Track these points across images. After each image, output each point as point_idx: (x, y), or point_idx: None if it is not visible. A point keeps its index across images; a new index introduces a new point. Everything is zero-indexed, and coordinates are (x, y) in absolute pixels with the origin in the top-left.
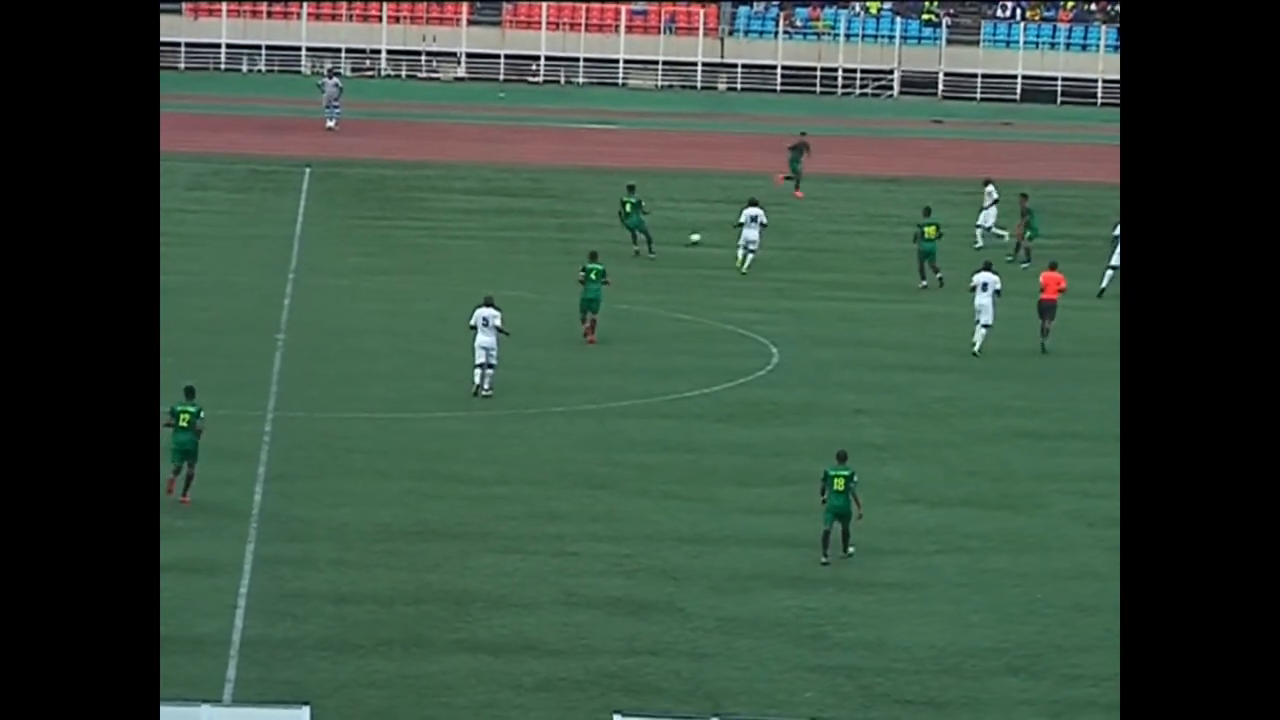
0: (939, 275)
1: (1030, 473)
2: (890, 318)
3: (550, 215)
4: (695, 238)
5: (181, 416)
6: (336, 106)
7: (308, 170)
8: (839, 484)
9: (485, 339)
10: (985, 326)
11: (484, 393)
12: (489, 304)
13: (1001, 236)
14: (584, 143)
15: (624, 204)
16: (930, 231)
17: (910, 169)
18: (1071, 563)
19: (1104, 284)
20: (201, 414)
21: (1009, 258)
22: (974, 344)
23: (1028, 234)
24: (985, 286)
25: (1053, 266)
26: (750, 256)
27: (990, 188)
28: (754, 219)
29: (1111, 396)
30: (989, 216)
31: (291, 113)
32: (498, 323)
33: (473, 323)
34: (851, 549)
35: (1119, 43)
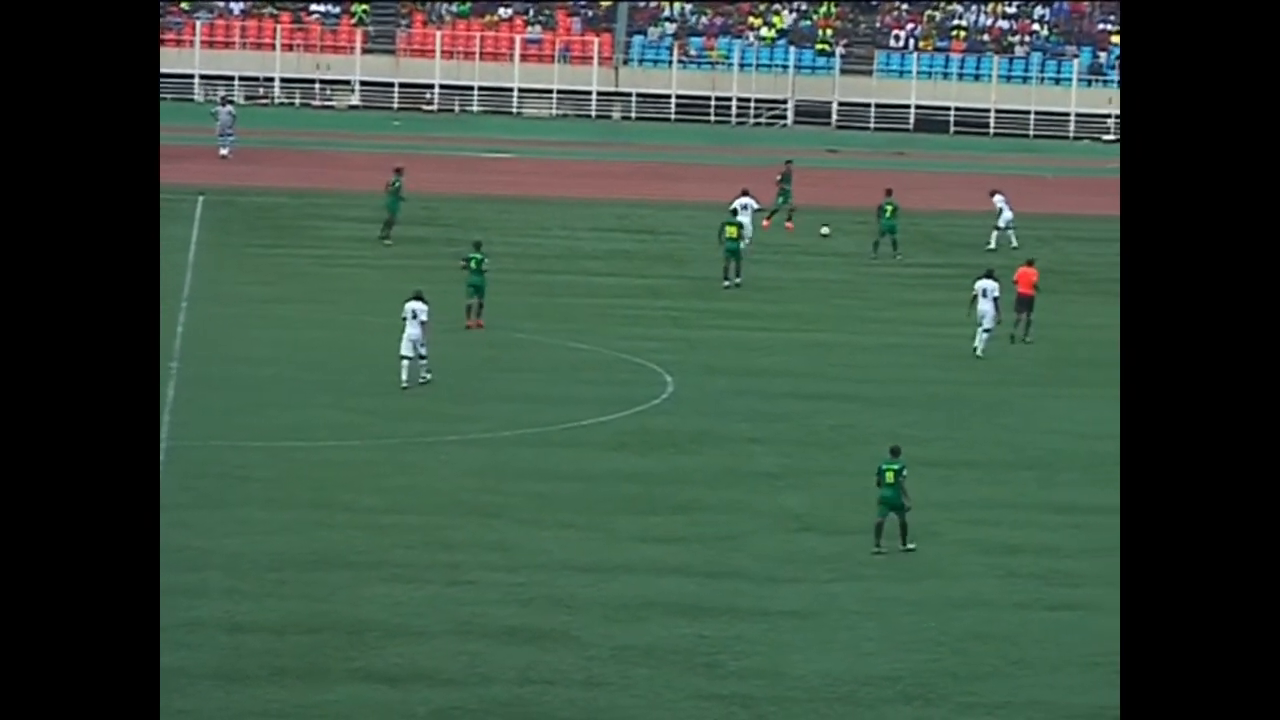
0: (738, 279)
1: (923, 501)
2: (783, 346)
3: (444, 244)
4: (825, 230)
5: None
6: (230, 134)
7: (201, 198)
8: (890, 477)
9: (413, 331)
10: (986, 331)
11: (422, 379)
12: (418, 298)
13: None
14: (478, 171)
15: (392, 184)
16: (732, 231)
17: (805, 198)
18: (965, 591)
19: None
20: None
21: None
22: (975, 347)
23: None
24: (986, 293)
25: (1029, 263)
26: (745, 242)
27: (998, 197)
28: (745, 206)
29: (1003, 424)
30: (1005, 219)
31: (185, 141)
32: (424, 316)
33: (404, 315)
34: (912, 545)
35: (1120, 67)
